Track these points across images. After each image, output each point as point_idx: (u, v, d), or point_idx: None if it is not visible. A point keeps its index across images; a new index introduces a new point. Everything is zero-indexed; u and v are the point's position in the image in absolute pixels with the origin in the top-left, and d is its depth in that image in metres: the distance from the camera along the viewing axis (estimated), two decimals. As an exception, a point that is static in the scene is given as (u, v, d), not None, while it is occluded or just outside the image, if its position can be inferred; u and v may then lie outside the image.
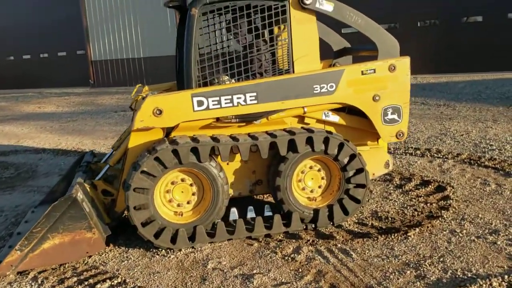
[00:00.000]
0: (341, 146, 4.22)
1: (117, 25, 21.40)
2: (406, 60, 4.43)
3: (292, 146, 4.13)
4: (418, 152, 6.83)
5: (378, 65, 4.37)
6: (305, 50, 4.40)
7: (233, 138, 4.07)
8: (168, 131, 4.22)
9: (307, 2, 4.26)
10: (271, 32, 4.50)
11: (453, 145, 7.08)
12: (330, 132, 4.23)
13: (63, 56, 23.96)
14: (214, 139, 4.01)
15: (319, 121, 4.56)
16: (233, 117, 4.19)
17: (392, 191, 5.32)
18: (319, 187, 4.43)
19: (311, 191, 4.42)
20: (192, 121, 4.12)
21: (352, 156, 4.26)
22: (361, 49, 5.32)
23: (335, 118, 4.55)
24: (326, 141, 4.19)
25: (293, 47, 4.36)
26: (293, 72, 4.37)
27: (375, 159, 4.72)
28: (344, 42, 5.61)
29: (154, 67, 20.44)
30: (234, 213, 4.36)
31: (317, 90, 4.26)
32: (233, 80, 4.42)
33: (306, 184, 4.39)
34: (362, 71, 4.34)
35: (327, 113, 4.52)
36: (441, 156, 6.55)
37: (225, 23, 4.62)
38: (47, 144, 9.67)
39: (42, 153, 8.73)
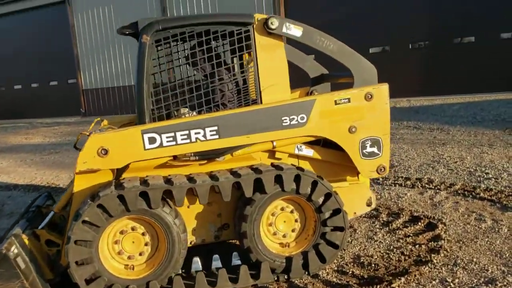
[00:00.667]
0: (314, 185, 3.75)
1: (107, 54, 21.16)
2: (384, 88, 3.99)
3: (259, 186, 3.67)
4: (409, 182, 6.34)
5: (353, 93, 3.94)
6: (273, 78, 3.97)
7: (190, 179, 3.60)
8: (119, 172, 3.76)
9: (273, 27, 3.85)
10: (234, 60, 4.08)
11: (446, 174, 6.61)
12: (301, 169, 3.76)
13: (55, 85, 23.66)
14: (168, 181, 3.54)
15: (292, 155, 4.10)
16: (192, 154, 3.74)
17: (378, 229, 4.82)
18: (293, 231, 3.94)
19: (284, 236, 3.93)
20: (144, 161, 3.66)
21: (328, 195, 3.79)
22: (340, 76, 4.90)
23: (309, 152, 4.10)
24: (297, 179, 3.72)
25: (260, 76, 3.93)
26: (261, 102, 3.93)
27: (356, 197, 4.25)
28: (321, 68, 5.20)
29: (144, 95, 20.10)
30: (197, 263, 3.86)
31: (286, 122, 3.82)
32: (194, 113, 3.98)
33: (278, 228, 3.91)
34: (335, 101, 3.91)
35: (300, 146, 4.07)
36: (433, 187, 6.06)
37: (185, 50, 4.21)
38: (21, 179, 9.19)
39: (13, 190, 8.25)
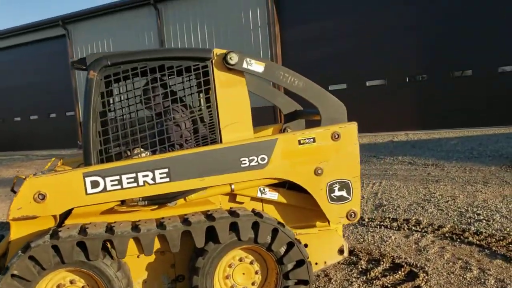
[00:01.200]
0: (274, 233, 3.42)
1: (106, 86, 21.18)
2: (353, 127, 3.70)
3: (212, 234, 3.34)
4: (395, 224, 5.96)
5: (318, 133, 3.65)
6: (234, 116, 3.70)
7: (135, 227, 3.28)
8: (62, 218, 3.46)
9: (232, 62, 3.61)
10: (192, 96, 3.82)
11: (435, 215, 6.23)
12: (260, 215, 3.43)
13: (54, 117, 23.65)
14: (109, 229, 3.22)
15: (255, 199, 3.79)
16: (140, 199, 3.44)
17: (354, 279, 4.43)
18: (253, 284, 3.58)
19: (243, 289, 3.58)
20: (88, 206, 3.36)
21: (290, 245, 3.45)
22: (314, 113, 4.62)
23: (273, 195, 3.78)
24: (255, 226, 3.39)
25: (219, 114, 3.66)
26: (221, 142, 3.65)
27: (327, 244, 3.91)
28: (294, 104, 4.92)
29: (141, 128, 19.95)
30: (147, 318, 3.51)
31: (245, 163, 3.52)
32: (148, 153, 3.70)
33: (236, 281, 3.55)
34: (299, 141, 3.61)
35: (263, 189, 3.75)
36: (420, 229, 5.68)
37: (127, 88, 3.96)
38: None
39: (-15, 228, 7.93)
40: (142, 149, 3.74)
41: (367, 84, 16.12)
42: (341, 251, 3.95)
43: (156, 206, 3.50)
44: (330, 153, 3.66)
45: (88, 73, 3.45)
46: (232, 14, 17.54)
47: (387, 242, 5.34)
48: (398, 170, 9.73)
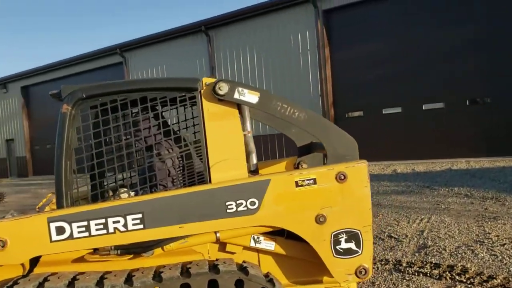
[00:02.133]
0: (262, 293, 2.90)
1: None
2: (362, 166, 3.13)
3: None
4: (437, 271, 5.19)
5: (320, 173, 3.11)
6: (225, 152, 3.25)
7: (99, 282, 2.87)
8: (32, 265, 3.13)
9: (221, 93, 3.18)
10: (178, 130, 3.41)
11: (487, 261, 5.38)
12: (246, 271, 2.92)
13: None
14: (71, 283, 2.84)
15: (248, 248, 3.29)
16: (112, 248, 3.05)
17: None
18: None
19: None
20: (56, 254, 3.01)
21: (282, 309, 2.91)
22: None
23: (269, 245, 3.27)
24: (239, 285, 2.89)
25: (209, 150, 3.23)
26: (210, 182, 3.20)
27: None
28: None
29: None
30: None
31: (231, 208, 3.04)
32: (132, 194, 3.32)
33: None
34: (296, 182, 3.09)
35: (258, 238, 3.25)
36: (466, 279, 4.88)
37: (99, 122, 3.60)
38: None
39: None
40: (125, 189, 3.37)
41: (423, 108, 15.14)
42: None
43: (131, 256, 3.09)
44: (334, 198, 3.11)
45: (61, 107, 3.15)
46: (281, 38, 17.27)
47: (424, 295, 4.61)
48: (451, 203, 8.79)
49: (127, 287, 2.82)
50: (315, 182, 3.10)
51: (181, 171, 3.34)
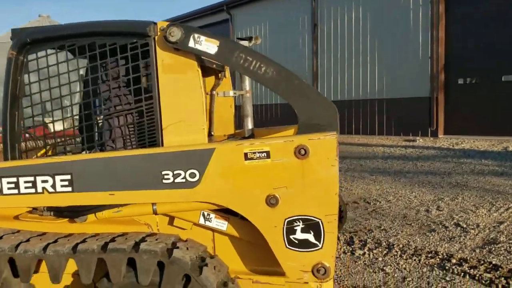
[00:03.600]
0: (187, 281, 2.45)
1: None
2: (330, 140, 2.44)
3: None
4: (490, 275, 4.23)
5: (276, 145, 2.49)
6: (181, 113, 2.77)
7: (17, 245, 2.64)
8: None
9: (173, 39, 2.67)
10: (128, 83, 2.98)
11: None
12: (170, 253, 2.48)
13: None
14: None
15: (200, 226, 2.83)
16: (44, 209, 2.80)
17: None
18: None
19: None
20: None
21: (209, 302, 2.44)
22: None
23: (221, 224, 2.77)
24: (161, 268, 2.47)
25: (162, 108, 2.78)
26: (162, 145, 2.77)
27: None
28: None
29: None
30: None
31: (168, 179, 2.58)
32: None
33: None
34: (246, 154, 2.51)
35: (208, 215, 2.77)
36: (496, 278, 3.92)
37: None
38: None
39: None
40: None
41: (503, 79, 12.85)
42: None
43: (65, 220, 2.82)
44: (291, 177, 2.48)
45: (8, 51, 2.91)
46: (390, -7, 15.71)
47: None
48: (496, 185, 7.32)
49: (42, 254, 2.55)
50: (268, 156, 2.50)
51: (133, 130, 2.94)
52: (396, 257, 4.80)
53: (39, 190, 2.69)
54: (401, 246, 5.09)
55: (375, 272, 4.44)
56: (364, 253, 4.93)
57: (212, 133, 3.73)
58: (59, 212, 2.79)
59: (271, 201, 2.50)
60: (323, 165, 2.45)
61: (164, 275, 2.44)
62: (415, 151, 12.42)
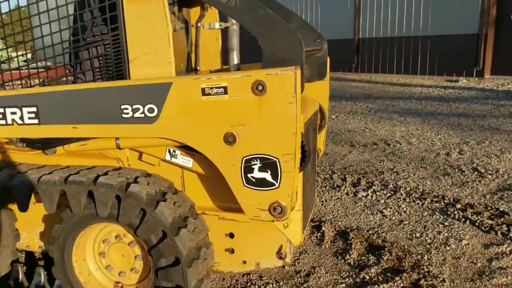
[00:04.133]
0: (143, 214, 2.47)
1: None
2: (288, 75, 2.29)
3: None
4: (492, 222, 4.06)
5: (234, 80, 2.38)
6: (147, 45, 2.68)
7: None
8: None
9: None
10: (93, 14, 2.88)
11: None
12: (127, 187, 2.49)
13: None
14: None
15: (169, 162, 2.81)
16: (17, 140, 2.86)
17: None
18: (132, 270, 2.74)
19: (120, 274, 2.78)
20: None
21: (163, 235, 2.46)
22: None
23: (186, 161, 2.74)
24: (118, 201, 2.49)
25: (128, 40, 2.70)
26: (129, 78, 2.72)
27: (260, 240, 2.74)
28: (315, 32, 3.51)
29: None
30: (39, 275, 3.07)
31: (127, 113, 2.54)
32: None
33: (112, 261, 2.77)
34: (203, 89, 2.42)
35: (174, 152, 2.74)
36: (501, 224, 3.74)
37: None
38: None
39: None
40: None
41: None
42: (280, 255, 2.73)
43: (37, 152, 2.88)
44: (249, 114, 2.38)
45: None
46: None
47: (451, 247, 3.65)
48: None
49: (7, 182, 2.64)
50: (225, 92, 2.39)
51: (102, 61, 2.89)
52: (399, 200, 4.68)
53: (9, 121, 2.73)
54: (408, 189, 4.95)
55: (372, 214, 4.36)
56: (367, 195, 4.84)
57: (198, 68, 3.63)
58: (31, 144, 2.84)
59: (229, 139, 2.42)
60: (281, 103, 2.32)
61: (121, 208, 2.46)
62: (455, 92, 11.81)
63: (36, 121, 2.68)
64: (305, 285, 3.17)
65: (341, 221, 4.22)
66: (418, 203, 4.57)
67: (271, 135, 2.36)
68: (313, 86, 3.57)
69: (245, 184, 2.46)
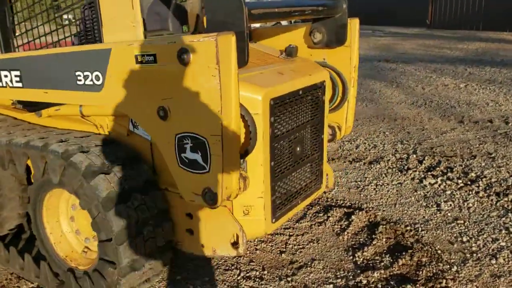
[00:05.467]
0: (81, 185, 2.42)
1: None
2: (209, 43, 1.95)
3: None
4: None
5: (161, 48, 2.12)
6: (115, 8, 2.55)
7: None
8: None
9: None
10: None
11: None
12: (70, 156, 2.43)
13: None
14: None
15: (131, 132, 2.70)
16: (16, 101, 3.03)
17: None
18: (94, 238, 2.74)
19: (85, 240, 2.80)
20: None
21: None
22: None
23: (146, 133, 2.59)
24: (64, 168, 2.48)
25: (100, 3, 2.60)
26: (102, 42, 2.66)
27: (215, 226, 2.51)
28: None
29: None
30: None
31: (80, 80, 2.47)
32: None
33: (80, 226, 2.81)
34: (136, 57, 2.21)
35: (136, 122, 2.61)
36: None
37: None
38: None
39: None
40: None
41: None
42: (234, 244, 2.45)
43: (31, 113, 3.00)
44: (176, 86, 2.11)
45: None
46: None
47: (498, 261, 2.91)
48: None
49: None
50: (155, 60, 2.15)
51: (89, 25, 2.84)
52: (470, 192, 3.91)
53: (4, 84, 2.89)
54: (492, 181, 4.09)
55: (426, 207, 3.70)
56: (435, 183, 4.11)
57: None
58: (25, 105, 2.97)
59: (161, 113, 2.18)
60: (204, 75, 1.99)
61: (64, 176, 2.44)
62: None
63: (20, 84, 2.78)
64: (288, 279, 2.83)
65: (382, 211, 3.67)
66: (492, 199, 3.73)
67: (199, 112, 2.07)
68: (335, 52, 3.06)
69: (180, 165, 2.23)
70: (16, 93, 2.84)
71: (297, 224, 3.50)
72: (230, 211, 2.50)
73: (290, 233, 3.36)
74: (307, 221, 3.53)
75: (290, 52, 2.92)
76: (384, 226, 3.38)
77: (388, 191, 4.02)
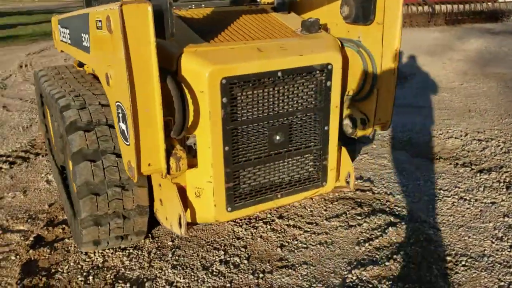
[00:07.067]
0: (61, 137, 2.66)
1: None
2: (114, 12, 1.87)
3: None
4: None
5: (102, 13, 2.12)
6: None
7: None
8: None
9: None
10: None
11: None
12: (64, 108, 2.64)
13: None
14: None
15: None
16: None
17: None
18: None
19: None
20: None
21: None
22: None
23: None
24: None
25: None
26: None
27: (170, 201, 2.48)
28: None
29: None
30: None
31: (83, 41, 2.64)
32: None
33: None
34: (96, 22, 2.26)
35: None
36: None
37: None
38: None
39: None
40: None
41: None
42: (179, 223, 2.37)
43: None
44: (108, 54, 2.10)
45: None
46: None
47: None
48: None
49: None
50: (101, 27, 2.16)
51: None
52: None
53: (64, 39, 3.29)
54: None
55: (496, 239, 2.88)
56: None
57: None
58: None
59: (106, 79, 2.21)
60: (119, 44, 1.92)
61: (55, 124, 2.69)
62: None
63: (70, 41, 3.12)
64: (260, 275, 2.59)
65: (433, 232, 2.99)
66: None
67: (120, 82, 2.03)
68: (368, 30, 2.56)
69: (120, 133, 2.24)
70: (69, 49, 3.20)
71: (325, 221, 3.13)
72: (184, 190, 2.40)
73: (307, 229, 3.04)
74: (338, 221, 3.13)
75: (307, 26, 2.55)
76: (416, 251, 2.77)
77: (467, 208, 3.24)
